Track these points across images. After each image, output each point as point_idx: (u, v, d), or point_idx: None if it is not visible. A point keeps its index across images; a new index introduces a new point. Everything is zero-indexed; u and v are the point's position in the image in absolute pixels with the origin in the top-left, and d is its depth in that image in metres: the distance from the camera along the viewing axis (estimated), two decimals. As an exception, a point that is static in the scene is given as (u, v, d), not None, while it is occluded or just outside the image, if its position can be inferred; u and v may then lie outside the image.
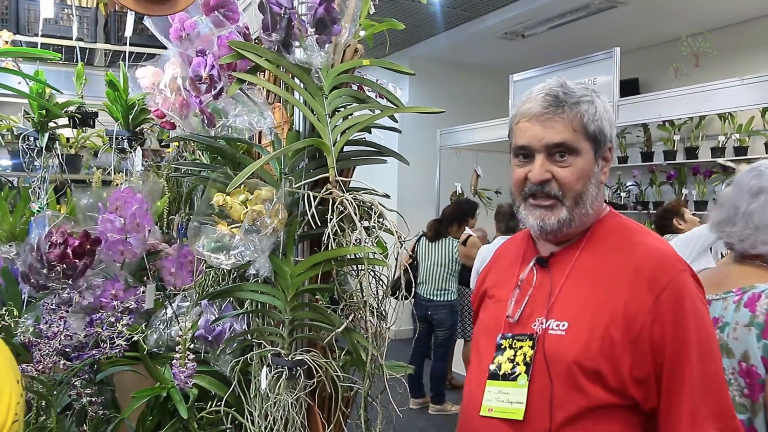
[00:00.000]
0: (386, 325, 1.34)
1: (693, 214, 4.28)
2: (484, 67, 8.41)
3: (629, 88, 6.36)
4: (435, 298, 5.29)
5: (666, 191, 6.49)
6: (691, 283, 1.14)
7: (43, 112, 2.11)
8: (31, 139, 2.18)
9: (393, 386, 1.35)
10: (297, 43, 1.33)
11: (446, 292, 5.29)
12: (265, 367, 1.31)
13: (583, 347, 1.11)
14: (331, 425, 1.36)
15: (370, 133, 1.46)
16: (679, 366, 1.08)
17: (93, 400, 1.38)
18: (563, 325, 1.15)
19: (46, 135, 2.09)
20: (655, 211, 6.45)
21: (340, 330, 1.26)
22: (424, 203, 7.14)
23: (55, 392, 1.36)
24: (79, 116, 2.27)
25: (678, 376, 1.08)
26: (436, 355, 5.42)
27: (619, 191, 6.83)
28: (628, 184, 6.86)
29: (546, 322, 1.17)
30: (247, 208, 1.25)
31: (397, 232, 1.28)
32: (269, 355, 1.31)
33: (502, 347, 1.21)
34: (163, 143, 2.59)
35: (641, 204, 6.68)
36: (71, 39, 2.67)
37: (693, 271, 1.17)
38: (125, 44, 2.09)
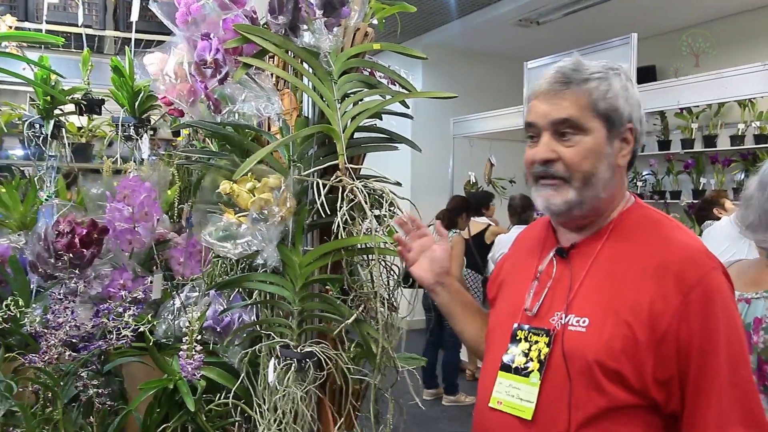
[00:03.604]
0: (398, 316, 1.31)
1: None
2: (498, 55, 8.32)
3: (646, 75, 6.26)
4: None
5: (683, 180, 6.40)
6: (723, 282, 1.08)
7: (48, 98, 2.08)
8: (37, 126, 2.16)
9: (406, 378, 1.32)
10: (305, 27, 1.29)
11: None
12: (273, 358, 1.28)
13: (605, 346, 1.05)
14: (342, 418, 1.33)
15: (381, 119, 1.42)
16: (707, 369, 1.03)
17: (100, 391, 1.36)
18: (584, 322, 1.10)
19: (52, 122, 2.07)
20: (671, 201, 6.40)
21: (349, 321, 1.23)
22: (437, 192, 7.09)
23: (61, 383, 1.34)
24: (85, 103, 2.25)
25: (705, 379, 1.03)
26: (447, 345, 5.40)
27: (635, 180, 6.74)
28: (644, 173, 6.76)
29: (565, 317, 1.12)
30: (254, 196, 1.21)
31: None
32: (278, 346, 1.29)
33: (518, 338, 1.17)
34: (171, 128, 2.56)
35: (658, 193, 6.59)
36: (78, 26, 2.65)
37: (724, 269, 1.10)
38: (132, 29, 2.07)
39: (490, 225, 5.61)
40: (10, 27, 2.25)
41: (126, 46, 2.25)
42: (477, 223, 5.64)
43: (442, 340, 5.45)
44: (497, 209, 6.24)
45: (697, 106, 5.73)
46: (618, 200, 1.19)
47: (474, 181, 7.08)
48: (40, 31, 2.52)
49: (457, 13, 7.06)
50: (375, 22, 1.52)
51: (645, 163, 6.71)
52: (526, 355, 1.14)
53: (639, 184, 6.74)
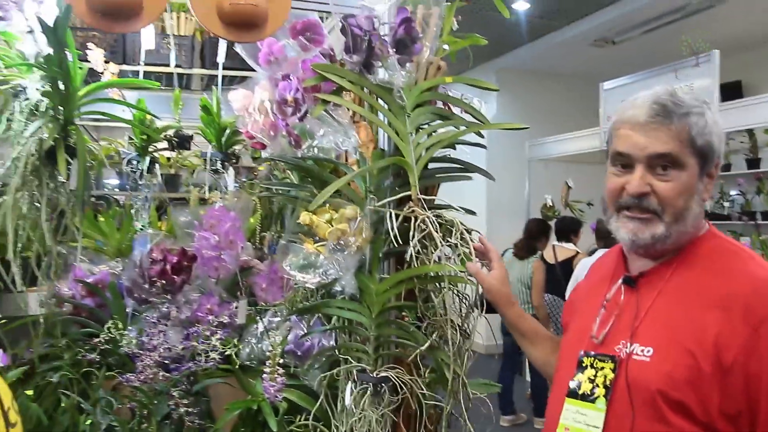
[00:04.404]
0: (470, 342, 1.33)
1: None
2: (572, 76, 8.19)
3: (731, 91, 6.01)
4: None
5: (776, 200, 6.07)
6: None
7: (145, 137, 2.26)
8: (134, 162, 2.33)
9: (479, 404, 1.33)
10: (379, 64, 1.35)
11: (527, 306, 5.20)
12: (350, 382, 1.33)
13: (668, 376, 1.04)
14: (417, 442, 1.36)
15: (454, 149, 1.46)
16: None
17: (189, 410, 1.45)
18: (648, 351, 1.09)
19: (147, 158, 2.24)
20: (762, 222, 6.07)
21: (423, 348, 1.26)
22: (513, 216, 7.02)
23: (155, 401, 1.44)
24: (177, 140, 2.41)
25: None
26: (532, 371, 5.31)
27: (721, 201, 6.44)
28: (732, 193, 6.46)
29: (630, 345, 1.12)
30: (332, 226, 1.27)
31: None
32: (355, 370, 1.33)
33: (584, 365, 1.17)
34: (255, 159, 2.70)
35: (747, 214, 6.27)
36: (170, 66, 2.84)
37: None
38: (219, 69, 2.21)
39: (578, 252, 5.49)
40: (113, 74, 2.46)
41: (212, 85, 2.40)
42: (565, 249, 5.51)
43: (520, 365, 5.37)
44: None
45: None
46: (695, 231, 1.18)
47: (551, 204, 6.95)
48: (138, 72, 2.72)
49: (529, 37, 7.02)
50: (447, 47, 1.55)
51: (732, 182, 6.41)
52: (592, 381, 1.14)
53: (726, 204, 6.44)
